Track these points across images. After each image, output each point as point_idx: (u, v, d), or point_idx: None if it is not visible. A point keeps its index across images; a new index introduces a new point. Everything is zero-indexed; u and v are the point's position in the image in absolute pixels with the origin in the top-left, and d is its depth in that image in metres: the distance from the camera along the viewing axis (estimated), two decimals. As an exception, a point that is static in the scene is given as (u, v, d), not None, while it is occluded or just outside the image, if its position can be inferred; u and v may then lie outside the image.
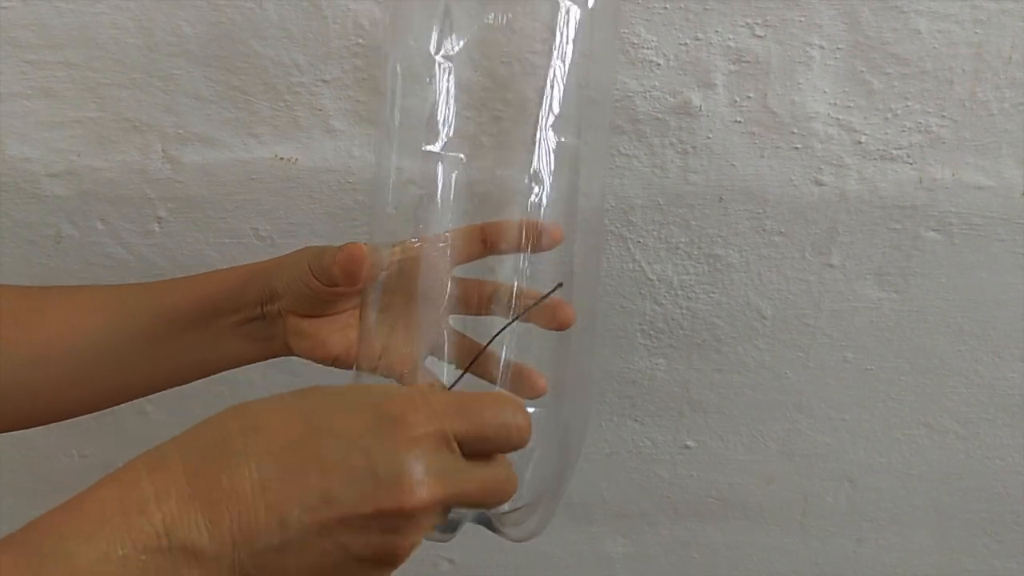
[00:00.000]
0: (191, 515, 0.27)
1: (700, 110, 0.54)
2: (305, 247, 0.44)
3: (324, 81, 0.53)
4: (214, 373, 0.46)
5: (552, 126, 0.42)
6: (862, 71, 0.53)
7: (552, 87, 0.42)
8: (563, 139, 0.42)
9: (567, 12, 0.42)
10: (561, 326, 0.41)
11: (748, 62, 0.53)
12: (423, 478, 0.29)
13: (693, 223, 0.57)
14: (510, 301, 0.39)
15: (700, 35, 0.52)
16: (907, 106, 0.54)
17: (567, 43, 0.42)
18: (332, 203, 0.56)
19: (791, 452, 0.64)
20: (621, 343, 0.60)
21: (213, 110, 0.54)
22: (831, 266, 0.58)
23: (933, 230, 0.57)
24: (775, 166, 0.55)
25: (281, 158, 0.55)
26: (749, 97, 0.53)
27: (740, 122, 0.54)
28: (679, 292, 0.59)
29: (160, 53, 0.53)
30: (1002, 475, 0.65)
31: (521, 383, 0.41)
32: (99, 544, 0.26)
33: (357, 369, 0.42)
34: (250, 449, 0.29)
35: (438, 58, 0.41)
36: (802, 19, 0.52)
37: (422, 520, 0.29)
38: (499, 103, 0.43)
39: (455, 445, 0.31)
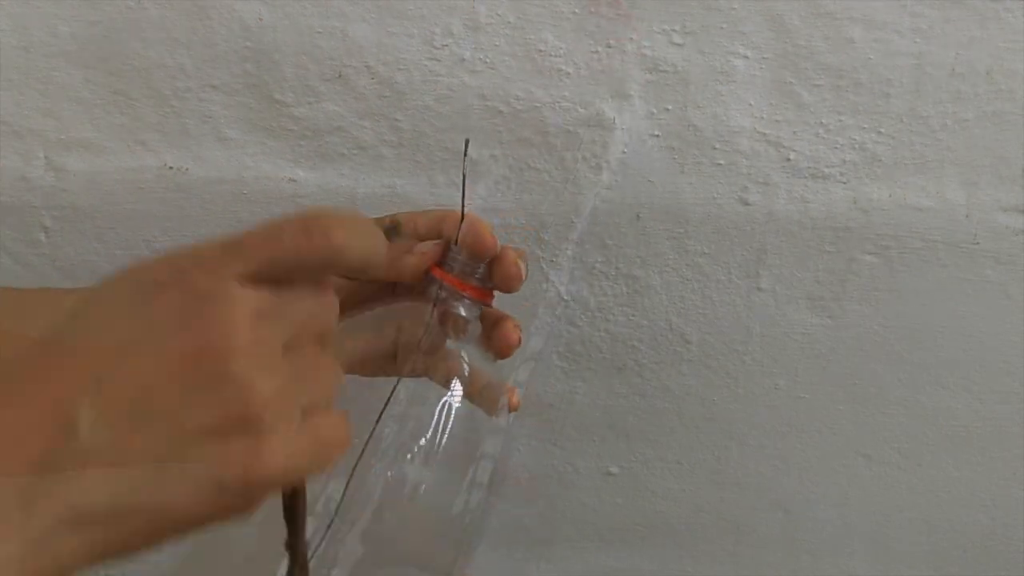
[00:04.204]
0: None
1: (614, 123, 0.50)
2: None
3: (212, 86, 0.50)
4: None
5: None
6: (791, 82, 0.49)
7: None
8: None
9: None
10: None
11: (666, 72, 0.49)
12: (221, 306, 0.23)
13: (609, 242, 0.53)
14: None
15: (613, 42, 0.48)
16: (840, 121, 0.50)
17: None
18: (227, 214, 0.53)
19: (721, 480, 0.61)
20: (537, 365, 0.57)
21: (97, 114, 0.51)
22: (760, 289, 0.54)
23: (870, 254, 0.53)
24: (696, 183, 0.51)
25: (171, 167, 0.52)
26: (667, 109, 0.50)
27: (658, 136, 0.50)
28: (596, 314, 0.55)
29: (37, 54, 0.49)
30: (947, 508, 0.62)
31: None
32: None
33: None
34: None
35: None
36: (724, 26, 0.48)
37: (256, 352, 0.24)
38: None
39: (249, 282, 0.25)
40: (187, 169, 0.52)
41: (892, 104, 0.50)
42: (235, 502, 0.24)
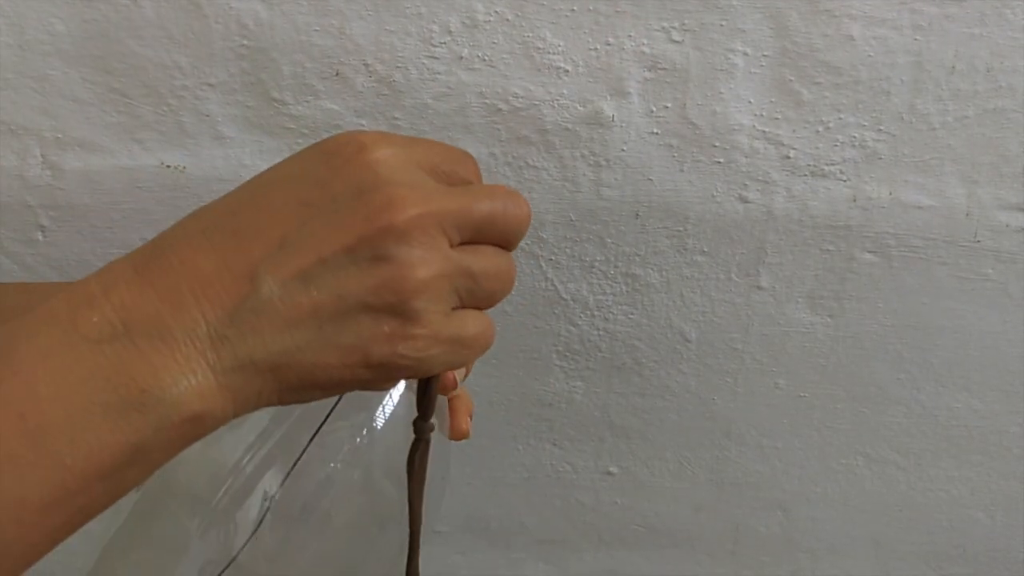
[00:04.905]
0: (147, 303, 0.25)
1: (613, 120, 0.50)
2: None
3: (209, 85, 0.50)
4: None
5: None
6: (790, 80, 0.49)
7: None
8: None
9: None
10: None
11: (665, 69, 0.49)
12: (398, 188, 0.25)
13: (608, 240, 0.53)
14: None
15: (611, 40, 0.48)
16: (840, 119, 0.50)
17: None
18: (224, 213, 0.53)
19: (720, 480, 0.61)
20: (535, 364, 0.57)
21: (93, 113, 0.51)
22: (759, 288, 0.54)
23: (869, 252, 0.53)
24: (696, 181, 0.51)
25: (168, 166, 0.52)
26: (666, 107, 0.49)
27: (657, 133, 0.50)
28: (596, 313, 0.55)
29: (32, 52, 0.49)
30: (946, 508, 0.62)
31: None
32: (43, 339, 0.24)
33: None
34: (193, 229, 0.26)
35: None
36: (723, 23, 0.48)
37: (417, 240, 0.25)
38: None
39: (423, 171, 0.26)
40: (184, 168, 0.52)
41: (892, 101, 0.49)
42: (376, 375, 0.26)
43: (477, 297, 0.27)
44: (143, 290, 0.25)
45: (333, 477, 0.37)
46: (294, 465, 0.36)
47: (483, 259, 0.27)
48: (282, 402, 0.27)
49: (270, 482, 0.36)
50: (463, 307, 0.27)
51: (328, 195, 0.25)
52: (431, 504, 0.38)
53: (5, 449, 0.23)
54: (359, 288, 0.25)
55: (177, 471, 0.36)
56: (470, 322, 0.27)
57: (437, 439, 0.39)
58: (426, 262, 0.25)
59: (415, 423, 0.33)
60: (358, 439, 0.38)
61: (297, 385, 0.26)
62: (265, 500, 0.36)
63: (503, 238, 0.28)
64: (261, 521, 0.35)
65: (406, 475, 0.34)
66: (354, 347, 0.25)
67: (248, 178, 0.54)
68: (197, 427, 0.25)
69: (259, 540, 0.36)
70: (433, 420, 0.33)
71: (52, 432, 0.23)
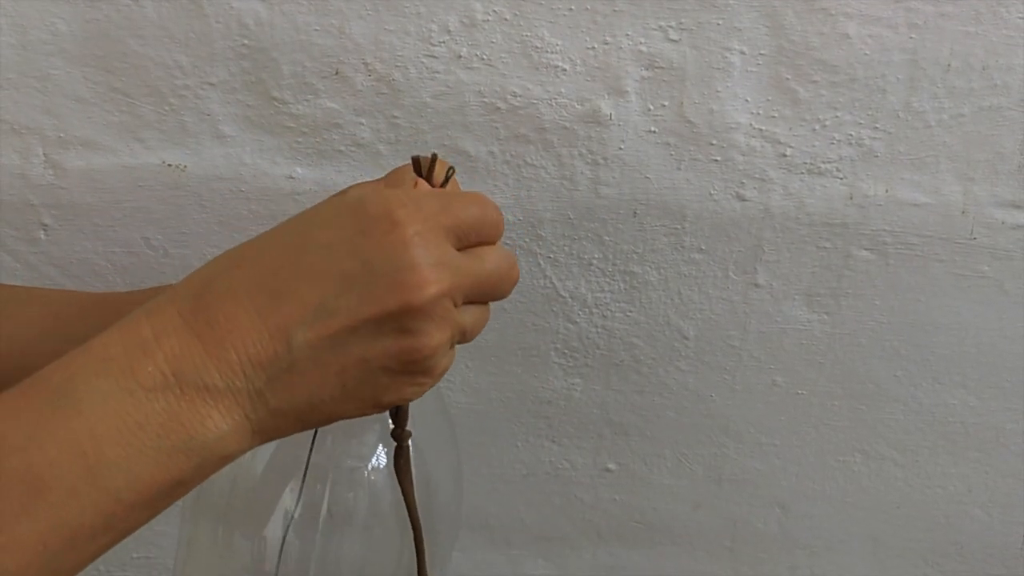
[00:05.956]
0: (194, 355, 0.27)
1: (611, 119, 0.50)
2: None
3: (210, 84, 0.50)
4: None
5: None
6: (787, 79, 0.49)
7: None
8: None
9: None
10: None
11: (662, 68, 0.49)
12: (426, 270, 0.28)
13: (606, 238, 0.53)
14: None
15: (609, 39, 0.48)
16: (836, 117, 0.50)
17: None
18: (225, 212, 0.53)
19: (719, 477, 0.61)
20: (534, 361, 0.57)
21: (95, 113, 0.51)
22: (757, 286, 0.55)
23: (866, 249, 0.54)
24: (693, 179, 0.51)
25: (169, 164, 0.52)
26: (664, 105, 0.50)
27: (654, 132, 0.50)
28: (594, 310, 0.55)
29: (35, 52, 0.49)
30: (943, 504, 0.62)
31: None
32: (103, 382, 0.27)
33: None
34: (237, 283, 0.28)
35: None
36: (720, 22, 0.48)
37: (436, 315, 0.28)
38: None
39: (447, 239, 0.30)
40: (185, 167, 0.52)
41: (888, 100, 0.50)
42: (380, 411, 0.31)
43: (460, 343, 0.32)
44: (191, 342, 0.28)
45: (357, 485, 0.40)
46: (304, 479, 0.38)
47: (474, 316, 0.31)
48: (299, 431, 0.31)
49: (288, 498, 0.38)
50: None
51: (366, 269, 0.28)
52: (452, 508, 0.39)
53: (66, 484, 0.26)
54: (382, 354, 0.28)
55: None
56: (450, 359, 0.31)
57: (429, 446, 0.41)
58: (440, 331, 0.29)
59: (393, 433, 0.36)
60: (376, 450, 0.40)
61: (316, 424, 0.30)
62: (287, 515, 0.39)
63: (496, 297, 0.32)
64: (286, 535, 0.38)
65: (396, 480, 0.37)
66: (370, 397, 0.29)
67: (248, 178, 0.54)
68: (227, 462, 0.29)
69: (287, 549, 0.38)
70: (409, 428, 0.36)
71: (109, 470, 0.26)
